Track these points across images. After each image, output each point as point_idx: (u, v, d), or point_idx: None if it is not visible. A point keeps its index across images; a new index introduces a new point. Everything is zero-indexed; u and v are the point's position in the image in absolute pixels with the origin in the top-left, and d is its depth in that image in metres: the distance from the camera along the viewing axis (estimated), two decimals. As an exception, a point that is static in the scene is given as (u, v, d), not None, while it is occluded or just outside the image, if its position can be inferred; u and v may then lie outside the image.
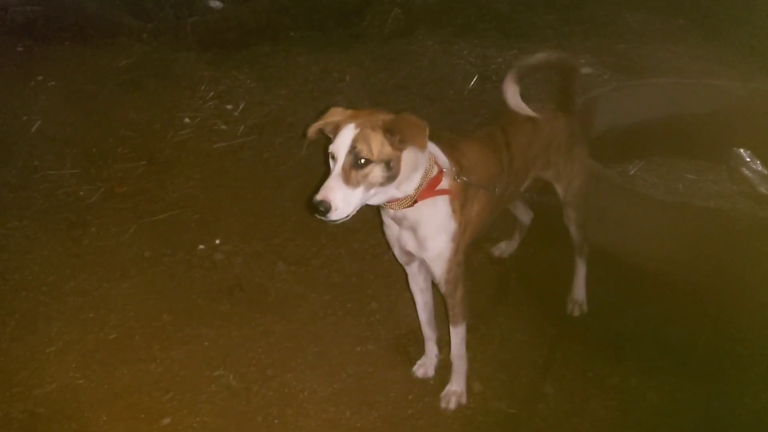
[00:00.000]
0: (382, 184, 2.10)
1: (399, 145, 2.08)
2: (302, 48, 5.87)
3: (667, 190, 3.71)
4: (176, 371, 2.78)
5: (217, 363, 2.83)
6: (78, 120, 4.69)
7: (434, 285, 2.63)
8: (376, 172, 2.06)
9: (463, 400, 2.67)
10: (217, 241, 3.58)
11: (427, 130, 2.09)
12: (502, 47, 5.81)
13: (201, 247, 3.53)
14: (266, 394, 2.70)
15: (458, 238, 2.37)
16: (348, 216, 2.06)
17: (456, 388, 2.69)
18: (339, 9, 6.48)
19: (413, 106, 4.98)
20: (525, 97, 2.56)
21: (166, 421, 2.57)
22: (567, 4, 6.62)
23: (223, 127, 4.77)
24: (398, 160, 2.10)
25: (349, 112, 2.16)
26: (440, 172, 2.26)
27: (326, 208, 1.99)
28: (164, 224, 3.71)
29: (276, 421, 2.59)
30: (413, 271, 2.66)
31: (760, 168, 3.70)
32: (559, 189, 2.84)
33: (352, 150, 2.02)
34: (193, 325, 3.03)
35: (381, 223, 2.50)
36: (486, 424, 2.60)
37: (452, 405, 2.66)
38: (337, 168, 2.03)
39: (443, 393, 2.70)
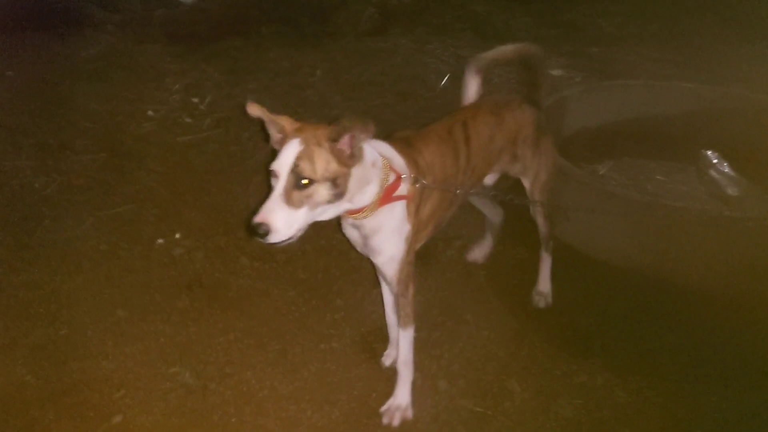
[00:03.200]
0: (329, 202, 2.00)
1: (347, 160, 1.98)
2: (273, 43, 5.78)
3: (636, 190, 3.69)
4: (129, 368, 2.66)
5: (173, 360, 2.71)
6: (36, 110, 4.53)
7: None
8: (321, 191, 1.96)
9: (409, 414, 2.50)
10: (177, 236, 3.46)
11: (369, 122, 1.97)
12: (476, 47, 5.75)
13: (160, 241, 3.41)
14: (224, 392, 2.59)
15: (411, 240, 2.29)
16: (292, 238, 1.95)
17: (401, 401, 2.51)
18: (313, 5, 6.41)
19: (385, 102, 4.92)
20: (491, 88, 2.51)
21: (117, 419, 2.45)
22: (544, 8, 6.63)
23: (189, 120, 4.66)
24: (346, 176, 2.00)
25: (297, 124, 2.03)
26: (398, 178, 2.17)
27: (265, 231, 1.88)
28: (122, 217, 3.58)
29: (233, 419, 2.49)
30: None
31: (727, 170, 3.70)
32: (526, 183, 2.79)
33: (295, 168, 1.91)
34: (149, 321, 2.91)
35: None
36: (451, 423, 2.53)
37: (396, 422, 2.48)
38: (278, 188, 1.92)
39: (385, 408, 2.52)
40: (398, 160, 2.21)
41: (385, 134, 2.35)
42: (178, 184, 3.88)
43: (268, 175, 1.96)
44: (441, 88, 5.17)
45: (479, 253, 3.31)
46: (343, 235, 2.40)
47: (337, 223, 2.32)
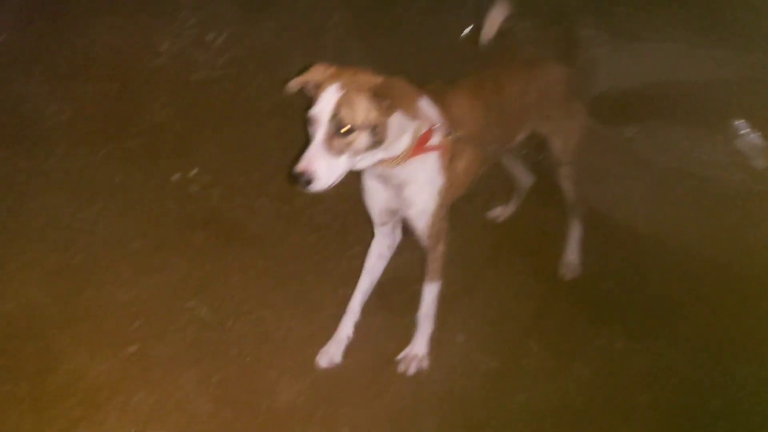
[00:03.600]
0: (368, 150, 1.96)
1: (386, 110, 1.92)
2: (294, -19, 5.58)
3: (662, 156, 3.63)
4: (145, 299, 2.63)
5: (189, 294, 2.68)
6: (47, 37, 4.36)
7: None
8: (361, 139, 1.92)
9: (425, 364, 2.50)
10: (194, 172, 3.38)
11: (417, 98, 1.93)
12: None
13: (176, 176, 3.33)
14: (241, 329, 2.57)
15: (444, 194, 2.25)
16: (332, 185, 1.91)
17: (417, 351, 2.51)
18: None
19: (404, 50, 4.79)
20: (521, 42, 2.44)
21: (133, 348, 2.43)
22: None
23: (203, 57, 4.51)
24: (384, 125, 1.95)
25: (332, 70, 1.96)
26: (431, 128, 2.11)
27: (308, 179, 1.86)
28: (137, 150, 3.48)
29: (249, 358, 2.48)
30: (383, 232, 2.54)
31: (757, 140, 3.65)
32: (556, 145, 2.73)
33: (335, 115, 1.87)
34: (165, 254, 2.86)
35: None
36: (467, 375, 2.53)
37: (411, 370, 2.48)
38: (318, 136, 1.88)
39: (401, 355, 2.52)
40: (432, 109, 2.14)
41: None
42: (192, 121, 3.78)
43: (305, 121, 1.90)
44: (462, 39, 5.04)
45: (501, 212, 3.27)
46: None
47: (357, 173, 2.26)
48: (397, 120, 1.98)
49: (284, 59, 4.52)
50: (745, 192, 3.24)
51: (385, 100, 1.90)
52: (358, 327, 2.61)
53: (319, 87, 1.93)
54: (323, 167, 1.86)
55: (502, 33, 2.76)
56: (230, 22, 4.90)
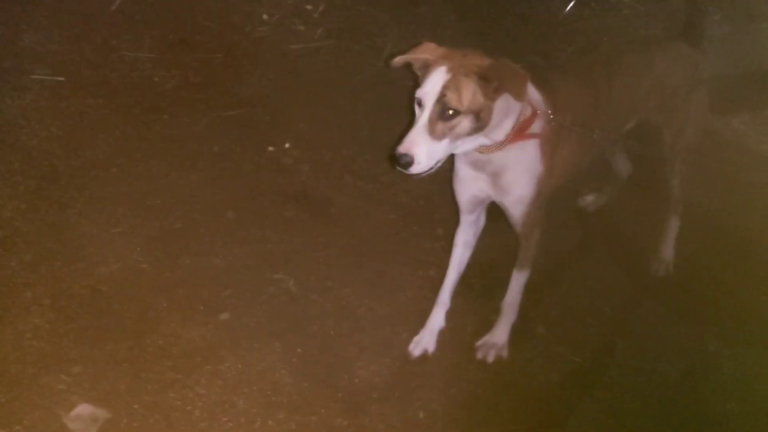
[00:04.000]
0: (468, 135, 1.93)
1: (493, 94, 1.88)
2: (392, -48, 5.53)
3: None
4: (237, 269, 2.75)
5: (278, 266, 2.78)
6: (158, 2, 4.56)
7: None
8: (464, 123, 1.90)
9: (504, 353, 2.48)
10: (287, 145, 3.47)
11: (528, 80, 1.88)
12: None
13: (270, 148, 3.44)
14: (324, 304, 2.66)
15: (543, 182, 2.19)
16: (431, 170, 1.91)
17: (497, 339, 2.49)
18: None
19: (503, 25, 4.67)
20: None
21: (225, 316, 2.56)
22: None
23: (301, 27, 4.57)
24: (489, 109, 1.91)
25: (441, 50, 1.95)
26: (534, 113, 2.04)
27: (408, 161, 1.86)
28: (235, 121, 3.61)
29: (332, 332, 2.55)
30: (470, 221, 2.49)
31: None
32: (668, 136, 2.57)
33: (441, 98, 1.85)
34: (257, 225, 2.97)
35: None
36: (546, 368, 2.50)
37: (490, 358, 2.47)
38: (423, 118, 1.87)
39: (480, 342, 2.51)
40: (535, 95, 2.07)
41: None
42: (288, 92, 3.87)
43: (411, 101, 1.90)
44: (565, 14, 4.85)
45: (594, 201, 3.15)
46: (449, 163, 2.28)
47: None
48: (502, 104, 1.95)
49: (380, 31, 4.53)
50: None
51: (493, 84, 1.88)
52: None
53: (427, 67, 1.92)
54: (424, 151, 1.86)
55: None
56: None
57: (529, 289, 2.73)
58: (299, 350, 2.47)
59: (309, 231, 2.98)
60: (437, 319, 2.56)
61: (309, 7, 4.82)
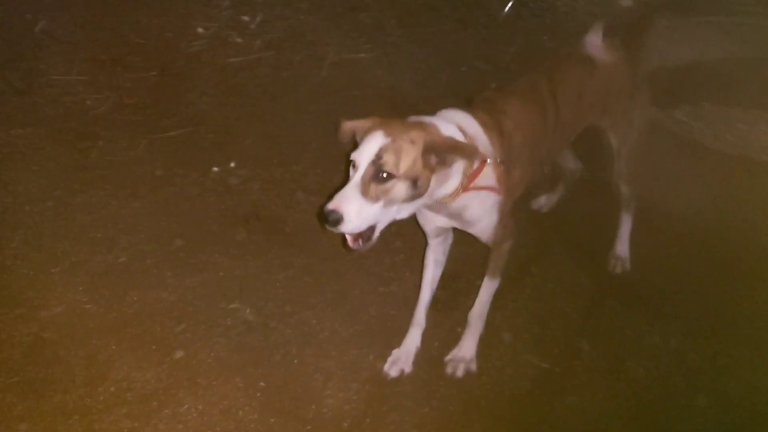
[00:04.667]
0: (405, 201, 1.88)
1: (435, 165, 1.86)
2: (327, -41, 5.44)
3: (716, 140, 3.45)
4: (189, 301, 2.62)
5: (232, 295, 2.67)
6: (86, 22, 4.36)
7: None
8: (399, 188, 1.84)
9: (473, 367, 2.44)
10: (233, 164, 3.36)
11: (473, 152, 1.88)
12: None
13: (215, 169, 3.31)
14: (284, 331, 2.55)
15: (503, 206, 2.16)
16: (371, 240, 1.89)
17: (466, 353, 2.44)
18: None
19: (443, 29, 4.66)
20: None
21: (180, 354, 2.42)
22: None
23: (239, 40, 4.46)
24: (428, 178, 1.87)
25: (383, 119, 1.92)
26: (482, 163, 1.99)
27: (336, 219, 1.80)
28: (176, 142, 3.47)
29: (295, 360, 2.45)
30: (438, 241, 2.45)
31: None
32: (614, 140, 2.59)
33: (376, 160, 1.81)
34: (208, 252, 2.85)
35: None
36: (516, 377, 2.47)
37: (459, 372, 2.42)
38: (356, 177, 1.82)
39: (449, 357, 2.46)
40: (483, 138, 2.03)
41: (466, 99, 2.23)
42: (230, 108, 3.75)
43: (348, 163, 1.87)
44: (503, 16, 4.87)
45: (546, 202, 3.15)
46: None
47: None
48: (441, 173, 1.91)
49: (321, 40, 4.45)
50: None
51: (436, 157, 1.85)
52: (404, 326, 2.55)
53: (366, 131, 1.88)
54: (354, 209, 1.80)
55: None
56: (264, 4, 4.84)
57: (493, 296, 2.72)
58: (262, 383, 2.36)
59: (263, 253, 2.88)
60: (413, 339, 2.50)
61: (246, 18, 4.70)
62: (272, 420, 2.25)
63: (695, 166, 3.19)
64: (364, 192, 1.81)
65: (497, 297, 2.68)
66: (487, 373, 2.47)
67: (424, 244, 2.94)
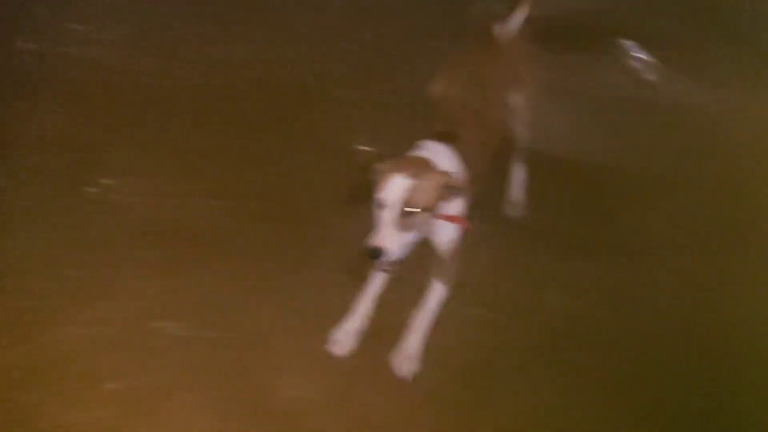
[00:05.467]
0: (426, 224, 2.24)
1: (447, 198, 2.23)
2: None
3: (571, 82, 3.78)
4: (110, 331, 2.41)
5: (153, 314, 2.48)
6: None
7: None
8: (423, 219, 2.19)
9: (415, 366, 2.44)
10: (108, 181, 3.09)
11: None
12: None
13: (91, 189, 3.03)
14: (223, 337, 2.45)
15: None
16: (399, 256, 2.17)
17: (411, 351, 2.46)
18: None
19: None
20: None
21: (112, 385, 2.23)
22: None
23: (75, 50, 4.09)
24: (439, 206, 2.24)
25: (397, 161, 2.21)
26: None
27: (381, 254, 2.11)
28: (36, 169, 3.12)
29: (242, 363, 2.37)
30: None
31: (645, 57, 3.92)
32: (519, 100, 2.84)
33: (405, 199, 2.13)
34: (111, 277, 2.62)
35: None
36: (457, 327, 2.57)
37: (404, 371, 2.42)
38: (388, 216, 2.14)
39: (394, 354, 2.45)
40: (460, 170, 2.38)
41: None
42: (87, 123, 3.44)
43: (373, 204, 2.19)
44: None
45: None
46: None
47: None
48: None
49: (176, 37, 4.17)
50: (647, 103, 3.50)
51: (448, 193, 2.21)
52: (344, 308, 2.56)
53: (387, 173, 2.17)
54: (394, 243, 2.14)
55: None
56: (92, 8, 4.46)
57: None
58: (214, 393, 2.25)
59: (174, 265, 2.70)
60: (356, 321, 2.51)
61: (75, 26, 4.30)
62: (233, 426, 2.17)
63: (575, 112, 3.49)
64: (397, 226, 2.13)
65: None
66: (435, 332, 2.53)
67: (339, 225, 2.96)
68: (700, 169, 3.30)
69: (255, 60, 4.05)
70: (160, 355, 2.35)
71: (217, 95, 3.71)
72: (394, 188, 2.14)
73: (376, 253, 2.10)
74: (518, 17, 2.84)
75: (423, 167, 2.21)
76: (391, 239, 2.12)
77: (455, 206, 2.37)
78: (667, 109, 3.62)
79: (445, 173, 2.21)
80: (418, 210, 2.14)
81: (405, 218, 2.14)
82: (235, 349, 2.41)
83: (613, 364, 2.56)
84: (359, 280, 2.60)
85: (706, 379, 2.52)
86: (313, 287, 2.67)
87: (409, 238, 2.18)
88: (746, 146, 3.52)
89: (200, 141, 3.38)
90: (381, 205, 2.16)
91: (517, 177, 3.09)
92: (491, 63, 2.71)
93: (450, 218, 2.37)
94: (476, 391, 2.43)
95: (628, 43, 3.96)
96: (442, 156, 2.34)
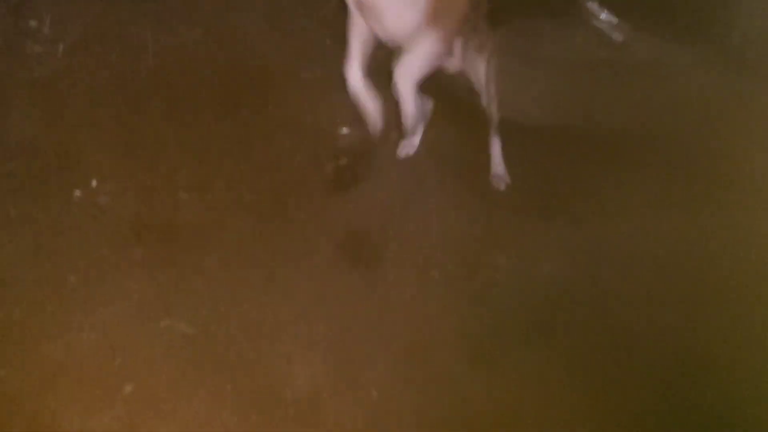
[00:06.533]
0: None
1: None
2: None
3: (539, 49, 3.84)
4: (114, 334, 2.43)
5: (158, 314, 2.49)
6: None
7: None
8: None
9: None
10: (94, 183, 3.07)
11: None
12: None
13: (77, 193, 3.01)
14: (228, 330, 2.48)
15: None
16: None
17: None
18: None
19: None
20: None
21: (129, 388, 2.27)
22: None
23: (37, 48, 3.98)
24: None
25: None
26: None
27: None
28: (16, 176, 3.07)
29: (251, 355, 2.42)
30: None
31: (610, 18, 3.99)
32: (482, 66, 2.86)
33: None
34: (109, 279, 2.63)
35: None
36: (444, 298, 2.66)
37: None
38: None
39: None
40: None
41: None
42: (62, 125, 3.38)
43: None
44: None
45: (408, 144, 3.24)
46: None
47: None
48: None
49: (136, 28, 4.08)
50: (618, 63, 3.59)
51: None
52: (341, 293, 2.65)
53: None
54: None
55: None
56: (48, 4, 4.32)
57: (404, 233, 2.90)
58: (228, 387, 2.30)
59: (170, 264, 2.72)
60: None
61: (33, 23, 4.18)
62: (252, 417, 2.23)
63: (545, 78, 3.55)
64: None
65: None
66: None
67: (327, 205, 2.99)
68: (675, 125, 3.41)
69: (213, 43, 3.99)
70: (170, 354, 2.39)
71: (183, 85, 3.65)
72: None
73: None
74: None
75: None
76: None
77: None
78: (638, 68, 3.71)
79: None
80: None
81: None
82: (242, 341, 2.46)
83: (617, 324, 2.65)
84: (359, 263, 2.67)
85: (702, 326, 2.63)
86: (314, 275, 2.72)
87: None
88: (718, 96, 3.61)
89: (178, 134, 3.35)
90: None
91: (495, 148, 3.14)
92: None
93: None
94: (481, 369, 2.50)
95: (592, 5, 4.02)
96: None
